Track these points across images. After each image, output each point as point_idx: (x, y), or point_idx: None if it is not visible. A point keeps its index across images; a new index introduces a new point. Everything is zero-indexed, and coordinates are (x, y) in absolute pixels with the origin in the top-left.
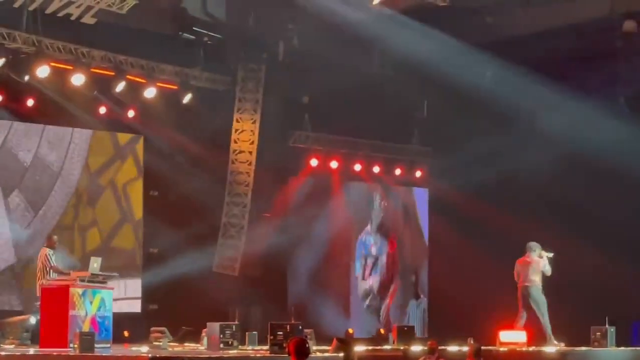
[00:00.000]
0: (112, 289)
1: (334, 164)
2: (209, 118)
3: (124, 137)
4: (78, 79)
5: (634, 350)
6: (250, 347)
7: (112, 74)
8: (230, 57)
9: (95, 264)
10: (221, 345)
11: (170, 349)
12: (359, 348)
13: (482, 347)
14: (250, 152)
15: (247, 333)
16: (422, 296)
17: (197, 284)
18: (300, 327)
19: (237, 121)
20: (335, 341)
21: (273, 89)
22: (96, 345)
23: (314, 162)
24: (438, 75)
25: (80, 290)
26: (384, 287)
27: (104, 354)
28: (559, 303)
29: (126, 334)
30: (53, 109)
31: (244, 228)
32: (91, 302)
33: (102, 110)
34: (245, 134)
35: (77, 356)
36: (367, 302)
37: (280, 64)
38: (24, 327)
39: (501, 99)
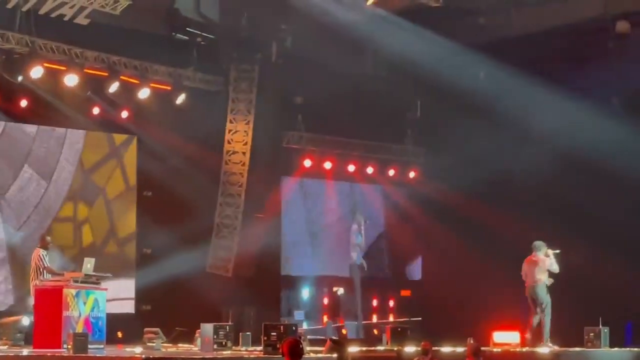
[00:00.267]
0: (106, 289)
1: (327, 165)
2: (202, 118)
3: (117, 138)
4: (71, 80)
5: (628, 350)
6: (243, 348)
7: (106, 74)
8: (224, 58)
9: (88, 264)
10: (215, 346)
11: (163, 350)
12: (353, 349)
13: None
14: (244, 153)
15: (240, 334)
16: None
17: (191, 285)
18: (294, 328)
19: (231, 122)
20: (328, 342)
21: (266, 89)
22: (90, 346)
23: (307, 163)
24: (431, 76)
25: (73, 291)
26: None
27: (97, 355)
28: (553, 303)
29: (120, 334)
30: (46, 110)
31: (237, 229)
32: (85, 303)
33: (96, 110)
34: (238, 134)
35: (70, 357)
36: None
37: (273, 64)
38: (17, 328)
39: (494, 99)
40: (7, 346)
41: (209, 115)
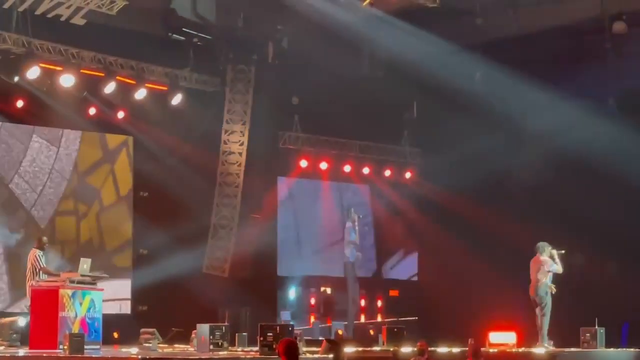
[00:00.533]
0: (102, 290)
1: (323, 165)
2: (198, 119)
3: (113, 138)
4: (68, 80)
5: (624, 351)
6: (240, 349)
7: (102, 74)
8: (220, 58)
9: (85, 265)
10: (211, 347)
11: (160, 351)
12: (349, 349)
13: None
14: (240, 153)
15: (236, 334)
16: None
17: (187, 285)
18: (290, 329)
19: (227, 122)
20: (324, 342)
21: (263, 90)
22: (86, 347)
23: (303, 163)
24: (428, 77)
25: (70, 292)
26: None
27: (93, 356)
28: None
29: (116, 335)
30: (43, 110)
31: (234, 229)
32: (81, 304)
33: (92, 111)
34: (234, 135)
35: (66, 357)
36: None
37: (269, 65)
38: (13, 329)
39: (491, 99)
40: (3, 347)
41: (205, 115)
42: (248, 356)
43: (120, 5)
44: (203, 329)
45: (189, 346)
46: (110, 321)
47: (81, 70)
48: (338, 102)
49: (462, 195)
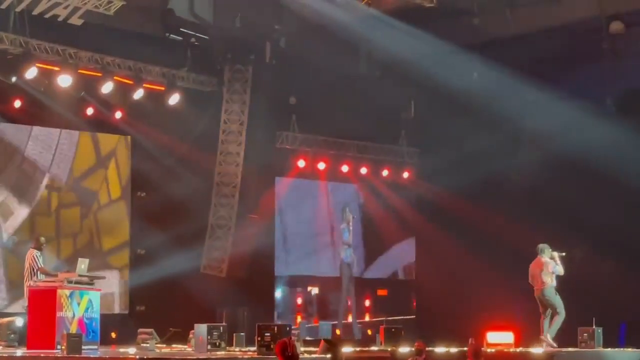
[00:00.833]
0: (100, 290)
1: (321, 165)
2: (196, 119)
3: (111, 138)
4: (65, 80)
5: (622, 351)
6: (237, 349)
7: (99, 75)
8: (217, 58)
9: (82, 265)
10: (209, 347)
11: (157, 351)
12: (347, 349)
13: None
14: (238, 153)
15: (234, 334)
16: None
17: (185, 285)
18: (288, 329)
19: (224, 122)
20: (322, 342)
21: (260, 90)
22: (83, 347)
23: (301, 163)
24: (425, 76)
25: (67, 292)
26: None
27: (91, 356)
28: None
29: (113, 335)
30: (40, 110)
31: (231, 229)
32: (78, 304)
33: (90, 111)
34: (232, 135)
35: (64, 357)
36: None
37: (267, 65)
38: (11, 329)
39: (488, 99)
40: (1, 347)
41: (203, 115)
42: (246, 356)
43: (118, 5)
44: (201, 329)
45: (186, 346)
46: (108, 321)
47: (79, 71)
48: (335, 102)
49: (459, 195)
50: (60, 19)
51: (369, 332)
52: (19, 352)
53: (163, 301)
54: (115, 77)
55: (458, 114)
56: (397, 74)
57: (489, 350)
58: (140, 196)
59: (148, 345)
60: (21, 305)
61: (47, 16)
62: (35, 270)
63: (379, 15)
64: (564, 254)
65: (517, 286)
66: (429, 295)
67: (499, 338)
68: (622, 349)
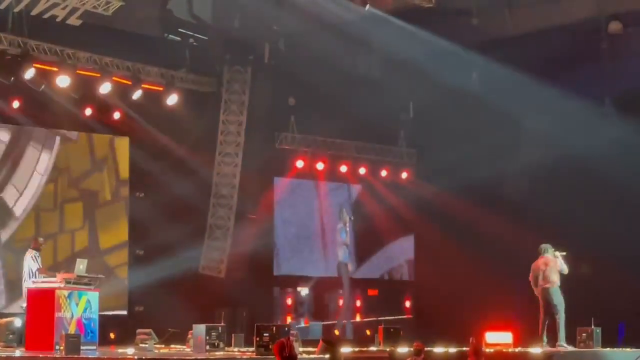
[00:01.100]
0: (98, 290)
1: (320, 166)
2: (194, 119)
3: (109, 139)
4: (63, 81)
5: (620, 351)
6: (236, 349)
7: (98, 75)
8: (216, 59)
9: (81, 265)
10: (207, 347)
11: (156, 351)
12: (345, 349)
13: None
14: (236, 154)
15: (233, 334)
16: None
17: (183, 286)
18: (287, 329)
19: (223, 123)
20: (321, 342)
21: (259, 90)
22: (82, 347)
23: (300, 164)
24: (424, 77)
25: (66, 292)
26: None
27: (89, 356)
28: None
29: (112, 335)
30: (39, 111)
31: (230, 229)
32: (77, 304)
33: (88, 111)
34: (231, 135)
35: (63, 358)
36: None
37: (266, 65)
38: (9, 329)
39: (487, 100)
40: None
41: (202, 116)
42: (244, 356)
43: (116, 5)
44: (199, 329)
45: (185, 347)
46: (107, 322)
47: (77, 71)
48: (334, 102)
49: (458, 196)
50: (58, 19)
51: (368, 332)
52: (18, 352)
53: (162, 301)
54: (113, 78)
55: (457, 114)
56: (395, 75)
57: (487, 350)
58: (138, 196)
59: (147, 345)
60: (20, 305)
61: (45, 17)
62: (34, 270)
63: (378, 15)
64: (564, 253)
65: (515, 286)
66: (427, 295)
67: (498, 338)
68: (620, 348)
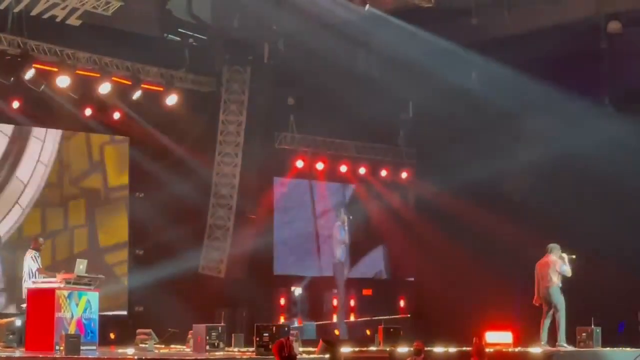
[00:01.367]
0: (98, 290)
1: (319, 166)
2: (194, 119)
3: (109, 139)
4: (63, 81)
5: (620, 350)
6: (236, 349)
7: (98, 75)
8: (216, 59)
9: (81, 265)
10: (207, 347)
11: (156, 351)
12: (345, 349)
13: (468, 348)
14: (236, 154)
15: (233, 334)
16: None
17: (183, 286)
18: (286, 329)
19: (223, 123)
20: (321, 342)
21: (258, 90)
22: (82, 348)
23: (299, 164)
24: (424, 76)
25: (66, 292)
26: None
27: (89, 356)
28: None
29: (112, 336)
30: (38, 111)
31: (230, 230)
32: (77, 304)
33: (88, 112)
34: (230, 135)
35: (62, 358)
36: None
37: (265, 65)
38: (9, 330)
39: (487, 99)
40: None
41: (201, 116)
42: (244, 356)
43: (116, 6)
44: (199, 329)
45: (185, 347)
46: (107, 322)
47: (77, 71)
48: (334, 102)
49: (458, 195)
50: (58, 19)
51: (368, 332)
52: (18, 352)
53: (161, 302)
54: (113, 78)
55: (457, 114)
56: (395, 74)
57: (487, 350)
58: (138, 197)
59: (147, 345)
60: (20, 306)
61: (45, 17)
62: (33, 270)
63: (377, 15)
64: (574, 256)
65: (515, 286)
66: (428, 295)
67: (498, 338)
68: (620, 348)
